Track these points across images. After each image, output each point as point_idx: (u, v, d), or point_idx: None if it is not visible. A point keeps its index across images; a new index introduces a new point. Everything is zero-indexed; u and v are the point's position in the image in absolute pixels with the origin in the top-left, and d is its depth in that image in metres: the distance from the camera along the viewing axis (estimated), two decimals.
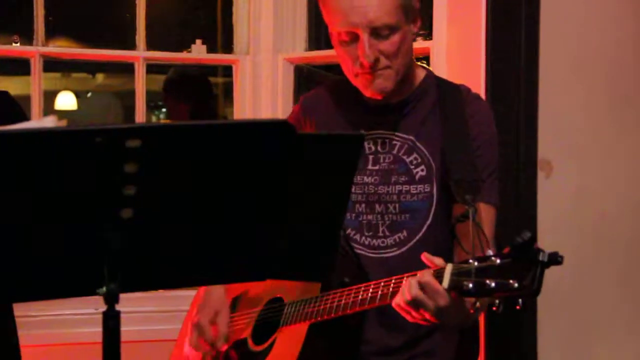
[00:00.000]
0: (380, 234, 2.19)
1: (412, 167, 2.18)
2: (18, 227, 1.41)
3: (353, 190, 2.18)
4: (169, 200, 1.46)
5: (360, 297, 1.99)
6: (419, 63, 2.30)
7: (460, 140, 2.15)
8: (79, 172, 1.38)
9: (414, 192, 2.17)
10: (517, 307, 1.72)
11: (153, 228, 1.47)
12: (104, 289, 1.46)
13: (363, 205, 2.20)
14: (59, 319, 2.50)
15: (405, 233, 2.18)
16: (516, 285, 1.69)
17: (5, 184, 1.36)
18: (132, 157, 1.38)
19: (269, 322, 2.26)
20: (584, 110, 2.95)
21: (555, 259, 1.71)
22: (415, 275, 1.86)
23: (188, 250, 1.54)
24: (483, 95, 2.82)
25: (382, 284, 1.95)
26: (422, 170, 2.18)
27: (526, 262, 1.70)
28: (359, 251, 2.20)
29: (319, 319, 2.08)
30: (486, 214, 2.13)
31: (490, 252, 1.76)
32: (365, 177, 2.21)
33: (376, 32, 2.08)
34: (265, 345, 2.24)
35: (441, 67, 3.04)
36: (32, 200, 1.39)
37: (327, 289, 2.10)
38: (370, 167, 2.21)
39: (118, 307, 1.48)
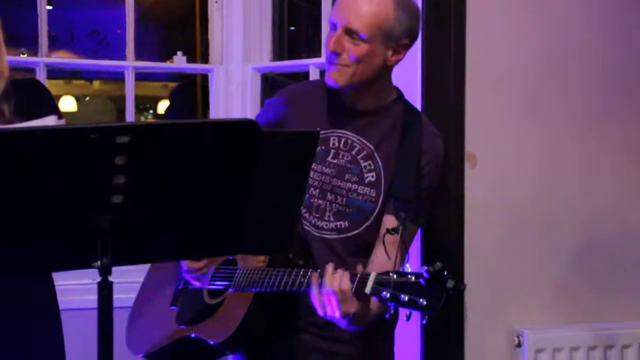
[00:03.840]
0: (326, 218, 2.17)
1: (365, 171, 2.16)
2: (25, 211, 1.39)
3: (312, 175, 2.16)
4: (154, 187, 1.45)
5: (298, 280, 1.98)
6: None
7: (410, 164, 2.13)
8: (76, 164, 1.37)
9: (361, 192, 2.15)
10: (423, 321, 1.81)
11: (140, 211, 1.46)
12: (99, 263, 1.45)
13: (317, 190, 2.18)
14: (63, 289, 2.46)
15: (346, 223, 2.16)
16: (425, 303, 1.75)
17: (14, 173, 1.35)
18: (122, 151, 1.37)
19: (221, 281, 2.23)
20: (504, 111, 2.95)
21: (458, 287, 1.77)
22: (344, 274, 1.89)
23: (170, 230, 1.53)
24: (419, 99, 2.84)
25: (317, 273, 1.95)
26: (373, 177, 2.15)
27: (436, 286, 1.75)
28: (306, 227, 2.18)
29: (262, 289, 2.06)
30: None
31: (408, 268, 1.81)
32: (324, 168, 2.18)
33: (349, 32, 2.06)
34: (217, 300, 2.20)
35: None
36: (37, 187, 1.37)
37: (273, 262, 2.09)
38: (329, 159, 2.18)
39: (111, 279, 1.47)
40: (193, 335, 2.17)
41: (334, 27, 2.10)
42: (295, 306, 2.14)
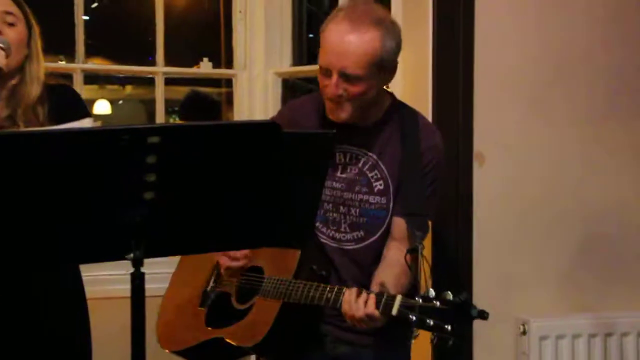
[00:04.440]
0: (342, 229, 2.15)
1: (373, 180, 2.12)
2: (64, 206, 1.41)
3: (324, 192, 2.10)
4: (183, 184, 1.46)
5: (325, 296, 1.97)
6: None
7: (415, 173, 2.08)
8: (111, 163, 1.38)
9: (373, 201, 2.12)
10: (449, 344, 1.78)
11: (170, 206, 1.47)
12: (132, 255, 1.47)
13: (330, 205, 2.15)
14: (99, 279, 2.48)
15: (362, 232, 2.14)
16: (449, 329, 1.74)
17: (55, 171, 1.36)
18: (153, 150, 1.38)
19: (248, 288, 2.22)
20: (511, 111, 2.94)
21: (482, 315, 1.78)
22: (369, 295, 1.88)
23: (199, 223, 1.54)
24: (430, 102, 2.84)
25: (344, 290, 1.94)
26: (381, 185, 2.12)
27: (460, 314, 1.75)
28: (323, 241, 2.16)
29: (290, 301, 2.05)
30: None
31: (432, 293, 1.78)
32: (334, 183, 2.14)
33: (345, 76, 1.99)
34: (245, 306, 2.20)
35: (398, 82, 3.03)
36: (75, 184, 1.39)
37: (299, 274, 2.08)
38: (338, 174, 2.15)
39: (143, 270, 1.48)
40: (222, 338, 2.17)
41: (326, 71, 2.01)
42: (321, 312, 2.12)
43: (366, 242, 2.14)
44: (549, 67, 2.97)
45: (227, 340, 2.16)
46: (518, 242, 2.96)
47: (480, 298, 2.86)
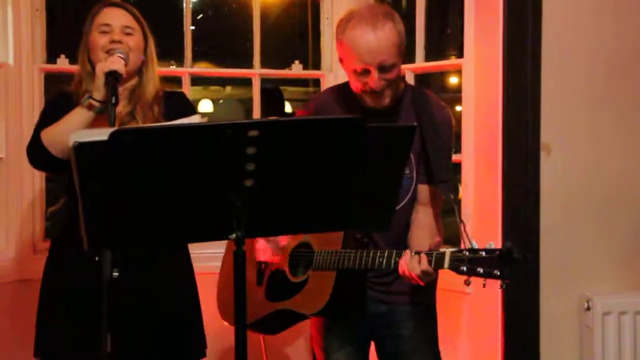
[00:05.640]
0: None
1: None
2: (177, 192, 1.43)
3: None
4: (279, 172, 1.47)
5: (377, 260, 2.03)
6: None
7: (434, 140, 2.13)
8: (216, 153, 1.39)
9: None
10: (502, 286, 1.84)
11: (268, 192, 1.48)
12: (234, 235, 1.48)
13: None
14: (205, 256, 2.52)
15: None
16: (498, 273, 1.80)
17: (170, 161, 1.39)
18: (252, 142, 1.39)
19: (300, 263, 2.26)
20: (576, 106, 2.86)
21: (524, 257, 1.91)
22: (419, 254, 1.94)
23: (291, 208, 1.54)
24: (500, 97, 2.79)
25: (394, 254, 2.00)
26: None
27: (505, 259, 1.80)
28: None
29: (344, 268, 2.09)
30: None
31: (476, 245, 1.85)
32: None
33: (383, 68, 2.04)
34: (301, 279, 2.23)
35: (470, 78, 2.98)
36: (185, 173, 1.41)
37: (345, 243, 2.12)
38: None
39: (244, 248, 1.49)
40: (286, 309, 2.23)
41: (364, 71, 2.05)
42: (364, 272, 2.17)
43: (396, 208, 2.14)
44: (613, 64, 2.88)
45: (291, 310, 2.21)
46: (582, 225, 2.88)
47: (548, 277, 2.80)
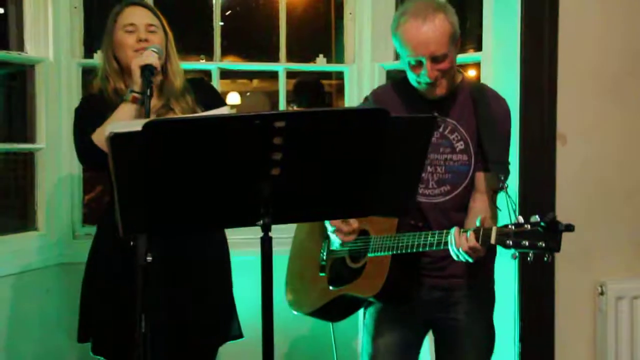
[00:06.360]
0: (430, 186, 2.15)
1: (454, 142, 2.14)
2: (207, 180, 1.43)
3: None
4: (305, 161, 1.46)
5: (428, 241, 2.01)
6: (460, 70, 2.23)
7: (490, 128, 2.10)
8: (245, 143, 1.40)
9: (456, 159, 2.13)
10: (545, 259, 1.79)
11: (294, 181, 1.48)
12: (261, 221, 1.48)
13: None
14: (234, 242, 2.53)
15: (448, 187, 2.14)
16: (544, 245, 1.77)
17: (201, 150, 1.39)
18: (279, 133, 1.39)
19: (359, 249, 2.24)
20: (591, 98, 2.83)
21: (569, 228, 1.78)
22: (467, 231, 1.92)
23: (317, 195, 1.54)
24: (518, 90, 2.76)
25: (444, 233, 1.98)
26: (462, 145, 2.13)
27: (550, 231, 1.77)
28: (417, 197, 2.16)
29: (398, 252, 2.07)
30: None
31: (521, 219, 1.82)
32: None
33: (435, 58, 2.03)
34: (359, 264, 2.23)
35: (488, 71, 2.95)
36: (215, 161, 1.41)
37: (400, 228, 2.10)
38: None
39: (271, 234, 1.50)
40: (348, 294, 2.23)
41: (417, 63, 2.05)
42: (418, 257, 2.14)
43: (452, 195, 2.15)
44: (626, 61, 2.84)
45: (352, 294, 2.20)
46: (596, 212, 2.85)
47: (563, 262, 2.77)
